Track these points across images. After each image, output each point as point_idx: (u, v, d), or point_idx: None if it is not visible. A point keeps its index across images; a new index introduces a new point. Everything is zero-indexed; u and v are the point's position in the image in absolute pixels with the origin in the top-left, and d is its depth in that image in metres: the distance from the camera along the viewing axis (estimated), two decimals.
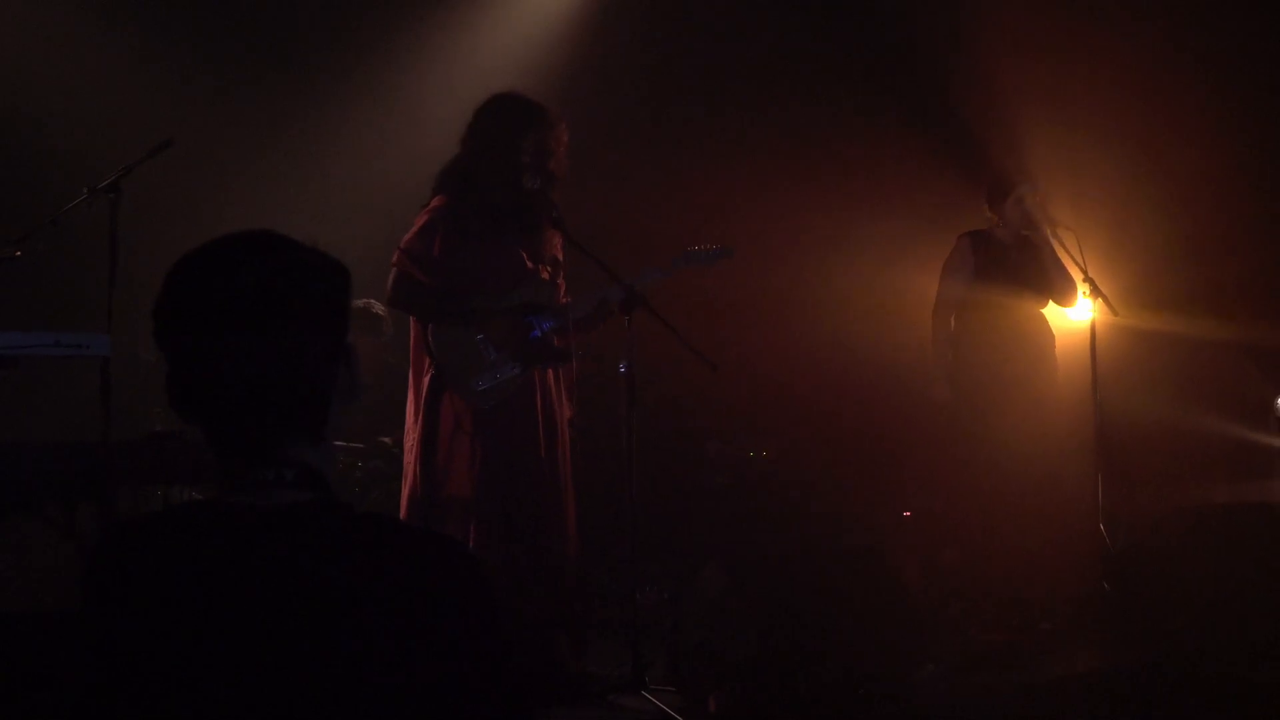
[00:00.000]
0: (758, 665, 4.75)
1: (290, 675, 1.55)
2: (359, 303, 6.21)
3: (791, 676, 4.61)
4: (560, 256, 4.92)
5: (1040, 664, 5.18)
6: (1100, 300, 6.14)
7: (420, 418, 4.68)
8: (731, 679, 4.63)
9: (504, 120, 4.78)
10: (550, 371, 4.79)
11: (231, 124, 7.15)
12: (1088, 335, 6.19)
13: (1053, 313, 6.32)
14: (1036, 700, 4.79)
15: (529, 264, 4.79)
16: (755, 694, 4.58)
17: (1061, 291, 6.20)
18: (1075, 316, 6.48)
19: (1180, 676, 4.83)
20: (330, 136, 7.38)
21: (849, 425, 7.09)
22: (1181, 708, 4.65)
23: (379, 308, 6.37)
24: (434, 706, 1.58)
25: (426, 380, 4.69)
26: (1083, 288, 6.15)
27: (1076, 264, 6.12)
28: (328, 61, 7.42)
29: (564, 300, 4.86)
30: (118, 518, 4.54)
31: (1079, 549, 5.92)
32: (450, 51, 7.65)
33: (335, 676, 1.55)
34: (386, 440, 6.20)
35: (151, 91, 7.00)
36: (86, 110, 6.93)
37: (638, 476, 4.67)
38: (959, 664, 5.15)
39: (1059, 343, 6.33)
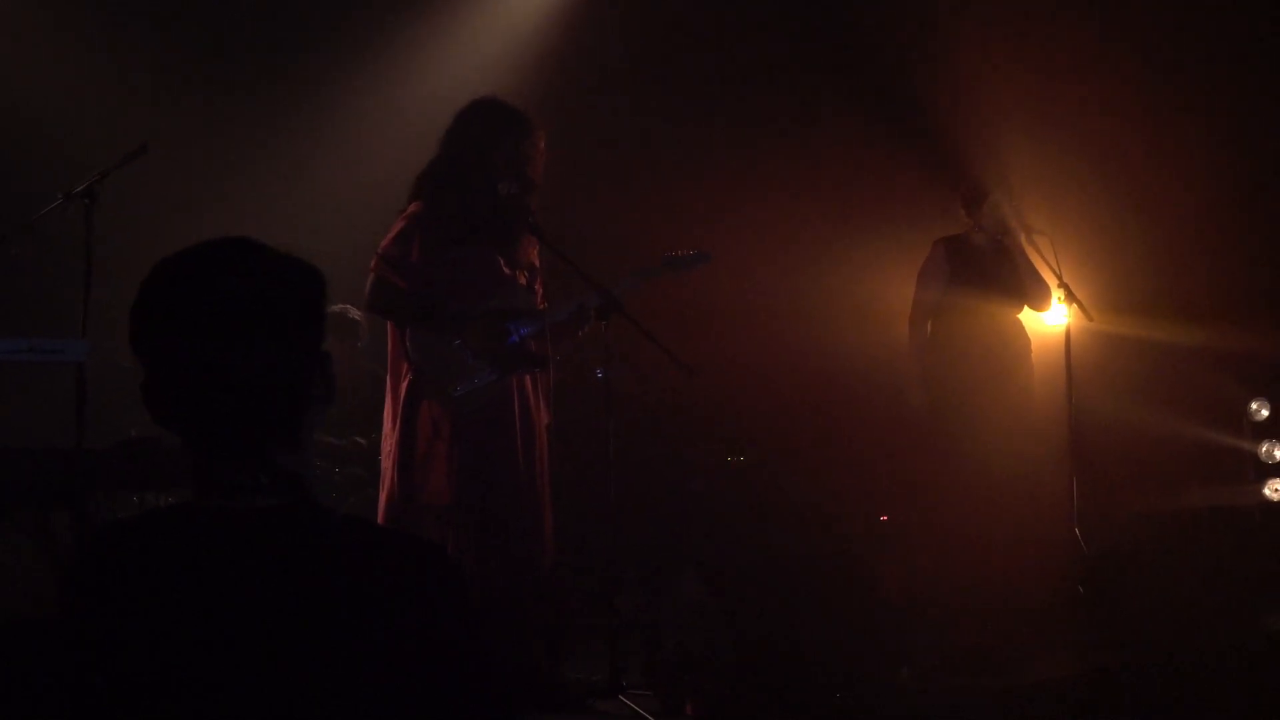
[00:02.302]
0: (735, 670, 4.76)
1: (273, 678, 1.56)
2: (334, 308, 6.19)
3: (768, 681, 4.62)
4: (537, 263, 4.93)
5: (1015, 667, 5.20)
6: (1075, 305, 6.18)
7: (398, 423, 4.68)
8: (709, 683, 4.64)
9: (482, 125, 4.78)
10: (528, 377, 4.79)
11: (207, 130, 7.14)
12: (1063, 340, 6.23)
13: (1028, 317, 6.36)
14: (1012, 703, 4.81)
15: (505, 270, 4.79)
16: (732, 698, 4.59)
17: (1036, 296, 6.23)
18: (1050, 321, 6.52)
19: (1154, 679, 4.86)
20: (307, 142, 7.36)
21: (826, 430, 7.10)
22: (1155, 710, 4.68)
23: (355, 313, 6.36)
24: (416, 708, 1.59)
25: (404, 385, 4.69)
26: (1058, 293, 6.19)
27: (1051, 269, 6.16)
28: (305, 67, 7.40)
29: (541, 306, 4.86)
30: (96, 523, 4.53)
31: (1054, 552, 5.95)
32: (428, 57, 7.65)
33: (318, 679, 1.56)
34: (362, 441, 6.19)
35: (127, 96, 6.98)
36: (61, 115, 6.90)
37: (616, 482, 4.67)
38: (934, 668, 5.16)
39: (1034, 347, 6.36)
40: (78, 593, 1.64)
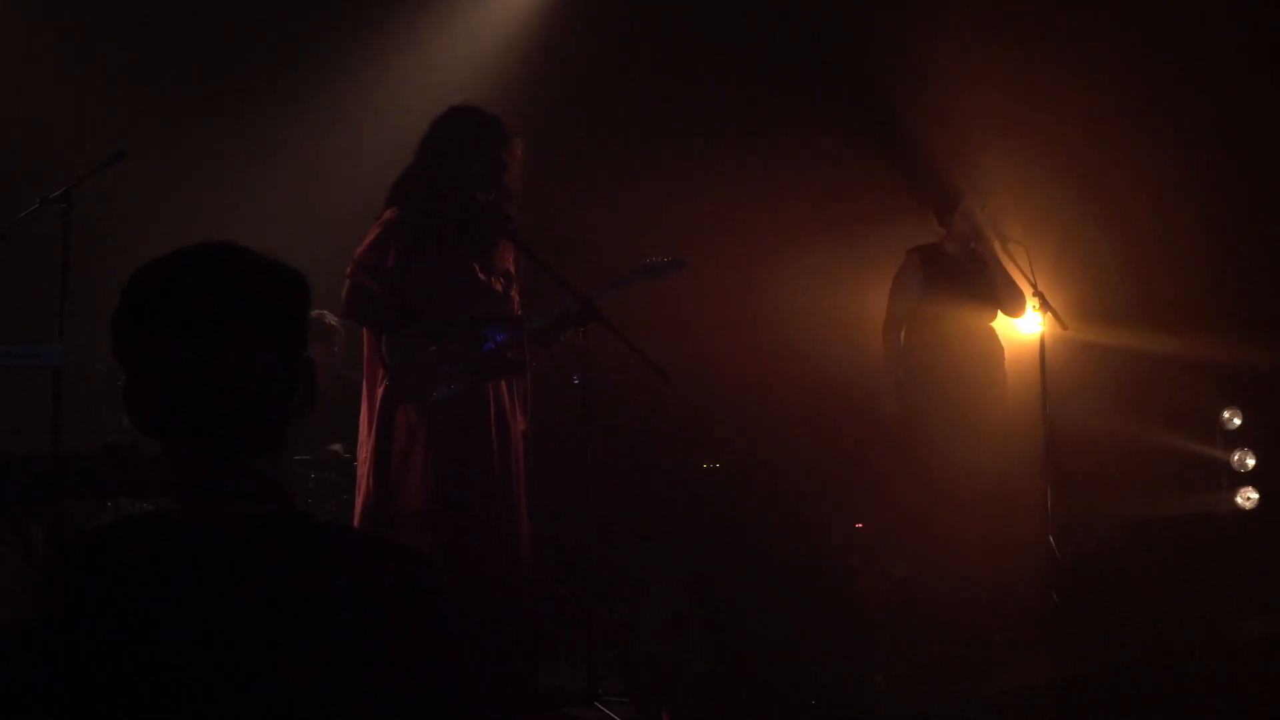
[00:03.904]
0: (711, 677, 4.77)
1: (255, 687, 1.55)
2: (311, 314, 6.17)
3: (744, 688, 4.63)
4: (514, 269, 4.93)
5: (990, 675, 5.23)
6: (1049, 314, 6.21)
7: (374, 429, 4.67)
8: (685, 690, 4.65)
9: (458, 132, 4.77)
10: (504, 384, 4.79)
11: (185, 135, 7.11)
12: (1037, 348, 6.26)
13: (1003, 326, 6.39)
14: (986, 711, 4.83)
15: (481, 276, 4.79)
16: (708, 706, 4.60)
17: (1010, 302, 6.26)
18: (1025, 329, 6.55)
19: (1128, 686, 4.90)
20: (284, 147, 7.35)
21: (802, 438, 7.12)
22: (1130, 716, 4.71)
23: (331, 319, 6.35)
24: (400, 714, 1.59)
25: (380, 392, 4.68)
26: (1032, 302, 6.23)
27: (1026, 277, 6.20)
28: (281, 73, 7.39)
29: (518, 313, 4.86)
30: (71, 530, 4.51)
31: (1028, 560, 5.98)
32: (405, 64, 7.64)
33: (299, 687, 1.56)
34: (337, 447, 6.18)
35: (105, 102, 6.96)
36: (39, 120, 6.88)
37: (593, 488, 4.67)
38: (909, 675, 5.19)
39: (1009, 355, 6.39)
40: (52, 601, 1.63)
